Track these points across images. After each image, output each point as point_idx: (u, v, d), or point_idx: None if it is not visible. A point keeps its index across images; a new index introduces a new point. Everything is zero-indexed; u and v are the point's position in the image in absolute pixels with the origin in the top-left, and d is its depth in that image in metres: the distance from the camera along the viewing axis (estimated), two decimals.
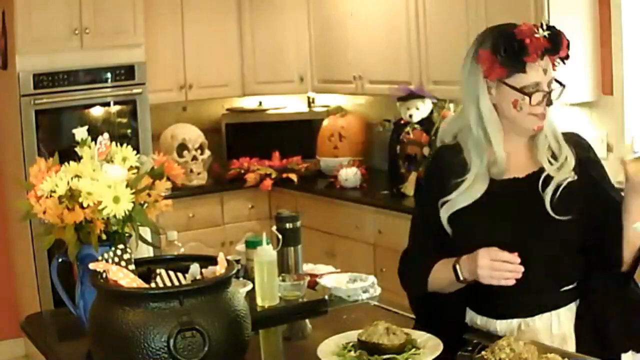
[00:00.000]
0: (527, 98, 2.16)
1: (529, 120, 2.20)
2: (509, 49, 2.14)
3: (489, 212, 2.22)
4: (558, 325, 2.22)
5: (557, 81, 2.21)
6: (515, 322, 2.23)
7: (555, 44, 2.17)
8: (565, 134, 2.28)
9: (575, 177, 2.20)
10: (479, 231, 2.21)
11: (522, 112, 2.18)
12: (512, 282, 2.07)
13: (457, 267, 2.16)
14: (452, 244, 2.24)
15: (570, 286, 2.23)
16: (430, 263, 2.26)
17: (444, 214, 2.24)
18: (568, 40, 2.21)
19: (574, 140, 2.29)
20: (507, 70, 2.16)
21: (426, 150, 4.76)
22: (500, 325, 2.25)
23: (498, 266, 2.07)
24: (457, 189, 2.23)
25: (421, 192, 2.37)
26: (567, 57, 2.22)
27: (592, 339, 2.19)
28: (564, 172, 2.20)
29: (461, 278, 2.15)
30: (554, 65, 2.20)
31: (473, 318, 2.31)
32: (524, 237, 2.16)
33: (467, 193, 2.22)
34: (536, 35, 2.14)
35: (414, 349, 2.04)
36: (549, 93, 2.18)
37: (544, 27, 2.17)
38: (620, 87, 4.22)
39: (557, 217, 2.16)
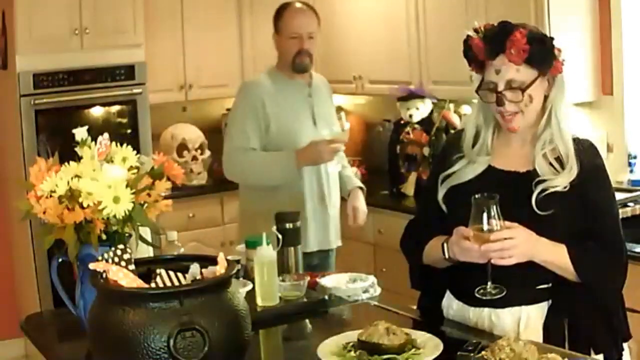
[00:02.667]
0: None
1: (499, 117, 2.26)
2: (465, 51, 2.27)
3: None
4: (527, 321, 2.25)
5: (515, 87, 2.19)
6: (486, 311, 2.28)
7: (493, 44, 2.19)
8: (578, 141, 2.29)
9: (567, 188, 2.21)
10: (468, 212, 2.24)
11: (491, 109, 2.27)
12: (483, 261, 2.13)
13: (445, 245, 2.24)
14: (449, 220, 2.29)
15: (545, 285, 2.25)
16: (429, 236, 2.34)
17: (441, 191, 2.34)
18: (528, 37, 2.16)
19: (585, 148, 2.29)
20: (475, 70, 2.28)
21: (426, 150, 4.76)
22: (473, 313, 2.31)
23: (465, 245, 2.15)
24: (455, 165, 2.33)
25: (431, 168, 2.45)
26: (533, 56, 2.17)
27: (560, 338, 2.20)
28: (559, 180, 2.21)
29: (446, 257, 2.24)
30: (516, 62, 2.17)
31: (451, 303, 2.38)
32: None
33: (463, 171, 2.32)
34: (472, 36, 2.23)
35: (414, 349, 2.04)
36: (500, 93, 2.20)
37: (482, 29, 2.23)
38: (620, 87, 4.22)
39: (540, 213, 2.19)
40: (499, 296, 2.18)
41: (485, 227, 2.11)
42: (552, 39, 2.22)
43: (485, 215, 2.10)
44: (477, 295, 2.20)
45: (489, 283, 2.18)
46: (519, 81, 2.19)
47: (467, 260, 2.18)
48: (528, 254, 2.15)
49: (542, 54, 2.18)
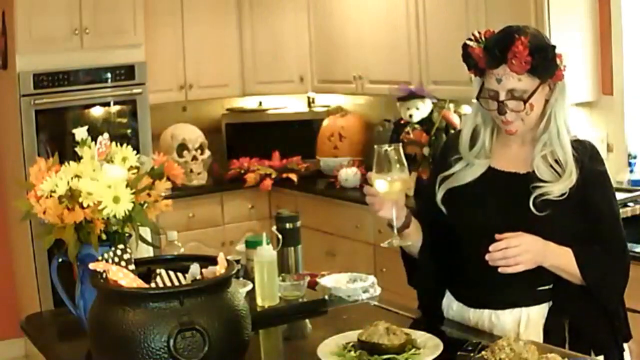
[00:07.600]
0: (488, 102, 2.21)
1: (499, 121, 2.24)
2: (464, 57, 2.22)
3: (481, 198, 2.26)
4: (527, 322, 2.25)
5: (516, 97, 2.16)
6: (486, 312, 2.28)
7: (495, 55, 2.14)
8: (578, 142, 2.26)
9: (565, 195, 2.19)
10: (468, 214, 2.25)
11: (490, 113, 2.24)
12: (389, 215, 2.19)
13: None
14: (448, 222, 2.29)
15: (546, 287, 2.25)
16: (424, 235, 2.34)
17: (440, 192, 2.32)
18: (530, 47, 2.10)
19: (585, 149, 2.26)
20: (475, 74, 2.24)
21: (426, 150, 4.76)
22: (473, 314, 2.31)
23: (367, 190, 2.20)
24: (454, 166, 2.31)
25: (431, 168, 2.44)
26: (535, 67, 2.12)
27: (560, 339, 2.20)
28: (557, 187, 2.19)
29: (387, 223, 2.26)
30: (518, 72, 2.13)
31: (451, 303, 2.38)
32: (509, 231, 2.16)
33: (462, 173, 2.30)
34: (472, 46, 2.19)
35: (414, 349, 2.04)
36: (502, 102, 2.16)
37: (483, 38, 2.19)
38: (620, 87, 4.22)
39: (539, 214, 2.17)
40: (401, 244, 2.24)
41: (386, 174, 2.16)
42: (554, 47, 2.16)
43: (385, 161, 2.15)
44: (382, 245, 2.23)
45: (395, 233, 2.23)
46: (521, 90, 2.15)
47: (376, 212, 2.20)
48: (538, 260, 2.14)
49: (544, 64, 2.14)
